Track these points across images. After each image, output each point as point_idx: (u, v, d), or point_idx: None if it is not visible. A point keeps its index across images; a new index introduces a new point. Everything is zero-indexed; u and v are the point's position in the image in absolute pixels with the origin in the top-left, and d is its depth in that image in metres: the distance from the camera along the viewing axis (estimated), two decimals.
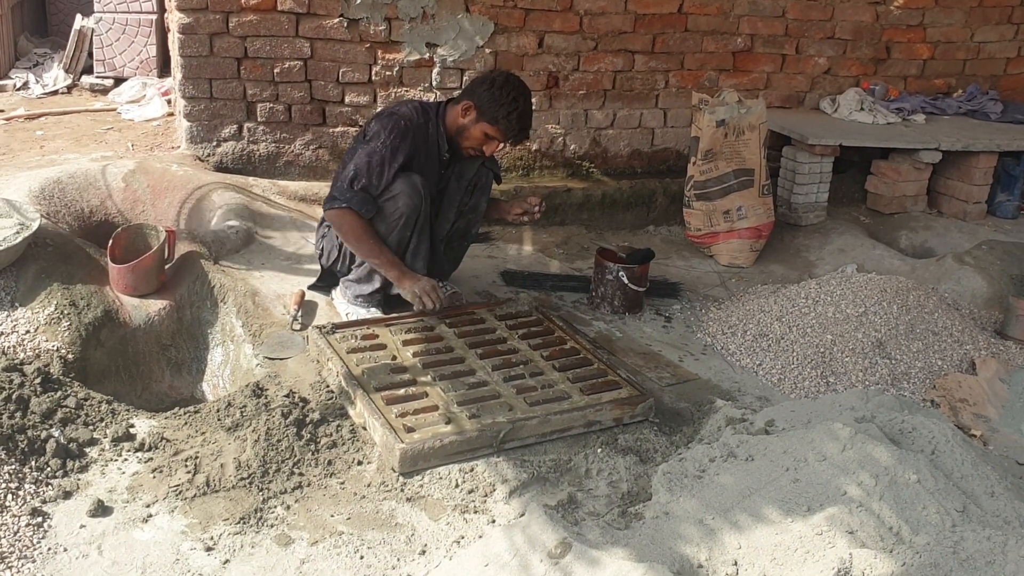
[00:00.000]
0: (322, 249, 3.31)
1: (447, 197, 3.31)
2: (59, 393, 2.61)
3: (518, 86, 3.14)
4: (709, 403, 2.91)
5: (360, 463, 2.51)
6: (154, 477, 2.37)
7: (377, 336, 3.02)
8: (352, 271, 3.24)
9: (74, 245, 3.27)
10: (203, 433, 2.57)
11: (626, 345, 3.41)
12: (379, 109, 3.45)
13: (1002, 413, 3.11)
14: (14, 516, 2.15)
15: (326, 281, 3.37)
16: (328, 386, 2.80)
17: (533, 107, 3.24)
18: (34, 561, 2.06)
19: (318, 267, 3.40)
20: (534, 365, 2.94)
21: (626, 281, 3.60)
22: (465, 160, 3.27)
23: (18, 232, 3.00)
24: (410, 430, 2.51)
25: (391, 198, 3.08)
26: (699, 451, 2.46)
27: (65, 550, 2.10)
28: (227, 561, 2.13)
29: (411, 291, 3.09)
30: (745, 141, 4.22)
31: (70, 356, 2.84)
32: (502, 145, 3.22)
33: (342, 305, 3.28)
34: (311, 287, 3.37)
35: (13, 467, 2.29)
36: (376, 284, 3.22)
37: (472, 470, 2.48)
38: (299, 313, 3.20)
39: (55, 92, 5.69)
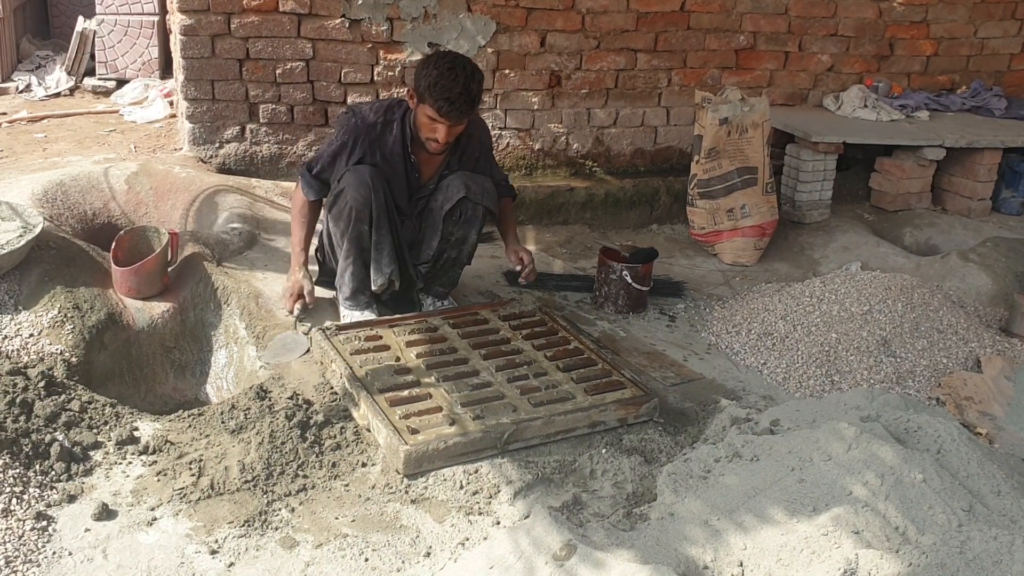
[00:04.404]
0: (320, 241, 3.32)
1: (428, 222, 3.20)
2: (63, 396, 2.61)
3: (445, 59, 2.88)
4: (714, 403, 2.90)
5: (364, 465, 2.51)
6: (158, 480, 2.37)
7: (380, 337, 3.02)
8: (336, 274, 3.23)
9: (77, 248, 3.27)
10: (207, 436, 2.57)
11: (630, 345, 3.40)
12: None
13: (1008, 411, 3.10)
14: (19, 520, 2.15)
15: (326, 275, 3.34)
16: (332, 388, 2.79)
17: (471, 80, 2.86)
18: (39, 565, 2.06)
19: None
20: (538, 366, 2.93)
21: (630, 280, 3.59)
22: (451, 187, 3.12)
23: (21, 235, 3.00)
24: (414, 432, 2.51)
25: (339, 193, 3.04)
26: (704, 451, 2.45)
27: (70, 554, 2.10)
28: (232, 564, 2.13)
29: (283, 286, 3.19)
30: (748, 139, 4.21)
31: (74, 359, 2.84)
32: (450, 128, 2.92)
33: (341, 308, 3.27)
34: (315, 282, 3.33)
35: (17, 471, 2.29)
36: (351, 287, 3.17)
37: (476, 472, 2.47)
38: (302, 315, 3.19)
39: (57, 94, 5.70)
